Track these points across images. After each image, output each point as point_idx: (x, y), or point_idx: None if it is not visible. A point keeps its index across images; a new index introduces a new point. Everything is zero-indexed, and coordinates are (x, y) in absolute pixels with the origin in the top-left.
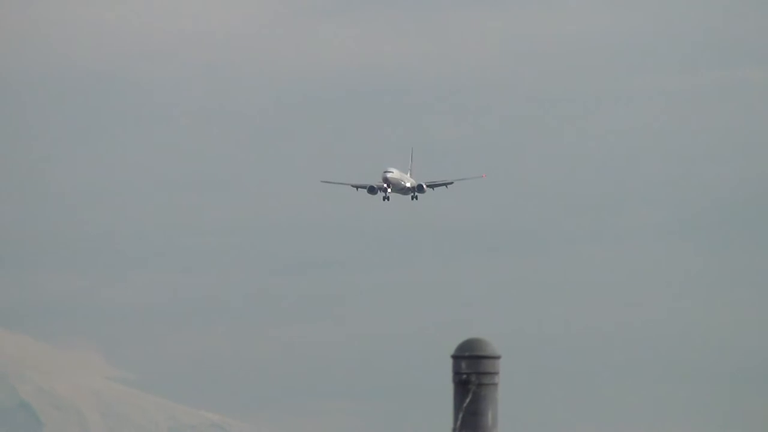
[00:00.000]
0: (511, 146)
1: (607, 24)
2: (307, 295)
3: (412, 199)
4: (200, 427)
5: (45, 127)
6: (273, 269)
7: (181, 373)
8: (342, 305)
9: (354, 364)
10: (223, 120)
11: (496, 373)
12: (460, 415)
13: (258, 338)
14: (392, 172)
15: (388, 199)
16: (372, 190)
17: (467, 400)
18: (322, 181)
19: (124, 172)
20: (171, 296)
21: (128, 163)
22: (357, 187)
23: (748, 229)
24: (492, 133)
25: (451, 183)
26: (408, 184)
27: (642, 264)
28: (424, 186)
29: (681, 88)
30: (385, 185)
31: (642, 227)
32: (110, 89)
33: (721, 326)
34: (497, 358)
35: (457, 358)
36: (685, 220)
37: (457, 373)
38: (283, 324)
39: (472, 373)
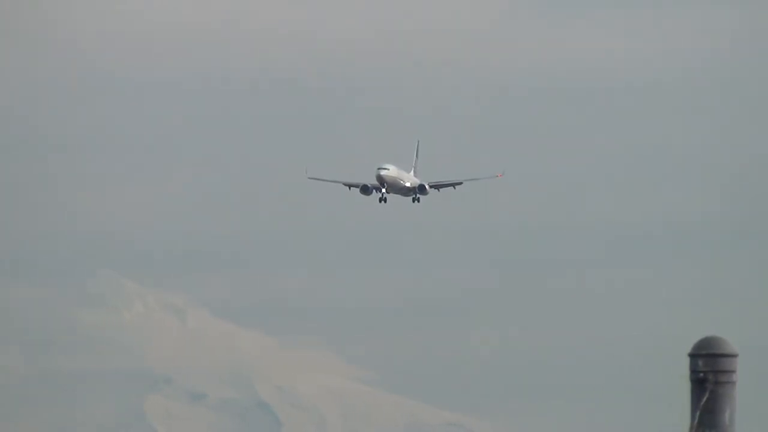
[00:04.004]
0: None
1: None
2: (539, 294)
3: (414, 201)
4: (439, 426)
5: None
6: (501, 267)
7: (420, 372)
8: (575, 303)
9: (589, 362)
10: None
11: (733, 372)
12: (698, 414)
13: (493, 337)
14: (387, 169)
15: (385, 201)
16: (365, 189)
17: (704, 399)
18: (309, 177)
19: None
20: (406, 295)
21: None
22: (349, 185)
23: None
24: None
25: (460, 183)
26: (408, 184)
27: None
28: (427, 186)
29: None
30: (379, 184)
31: None
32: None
33: None
34: (735, 356)
35: (694, 356)
36: None
37: (694, 371)
38: (516, 323)
39: (709, 371)
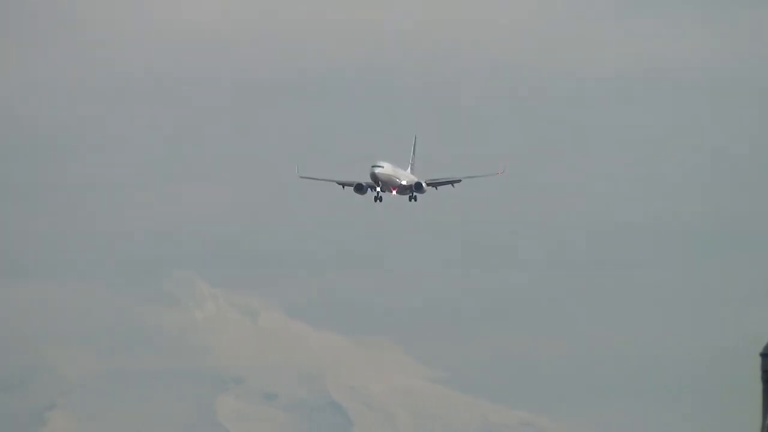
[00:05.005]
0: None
1: None
2: (611, 294)
3: (410, 200)
4: (511, 426)
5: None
6: (558, 268)
7: (492, 373)
8: (645, 303)
9: (660, 362)
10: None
11: None
12: None
13: (563, 338)
14: (382, 167)
15: (381, 200)
16: (360, 188)
17: None
18: (301, 177)
19: None
20: (476, 295)
21: None
22: (343, 184)
23: None
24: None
25: (459, 181)
26: (404, 182)
27: None
28: (424, 184)
29: None
30: (374, 183)
31: None
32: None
33: None
34: None
35: (766, 356)
36: None
37: (766, 371)
38: (590, 323)
39: None
